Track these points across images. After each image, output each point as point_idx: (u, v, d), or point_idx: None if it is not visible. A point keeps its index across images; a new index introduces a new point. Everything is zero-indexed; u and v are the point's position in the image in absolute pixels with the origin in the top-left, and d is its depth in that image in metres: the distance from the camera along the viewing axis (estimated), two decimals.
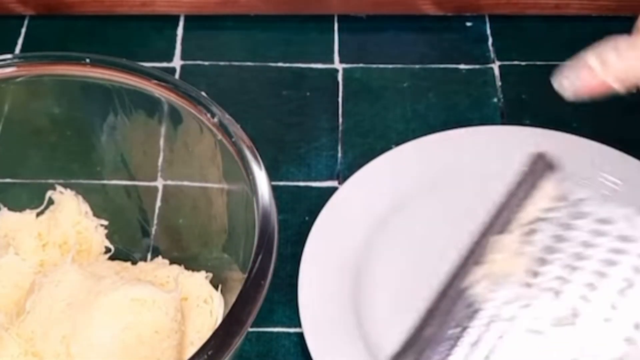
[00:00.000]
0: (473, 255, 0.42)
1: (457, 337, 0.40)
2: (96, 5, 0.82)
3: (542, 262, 0.41)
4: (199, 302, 0.58)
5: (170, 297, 0.54)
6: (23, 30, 0.81)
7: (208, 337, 0.47)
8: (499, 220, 0.43)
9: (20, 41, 0.80)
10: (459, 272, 0.41)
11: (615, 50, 0.44)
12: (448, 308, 0.40)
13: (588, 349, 0.40)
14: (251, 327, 0.48)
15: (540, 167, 0.44)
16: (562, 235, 0.42)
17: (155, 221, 0.63)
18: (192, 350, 0.55)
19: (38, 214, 0.62)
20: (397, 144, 0.71)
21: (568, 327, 0.40)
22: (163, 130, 0.60)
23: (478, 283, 0.41)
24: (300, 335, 0.61)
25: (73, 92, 0.60)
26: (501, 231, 0.42)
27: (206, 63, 0.79)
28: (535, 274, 0.41)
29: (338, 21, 0.83)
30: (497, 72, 0.79)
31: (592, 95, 0.45)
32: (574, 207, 0.43)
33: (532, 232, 0.42)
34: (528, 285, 0.41)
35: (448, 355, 0.40)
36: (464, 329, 0.40)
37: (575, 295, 0.40)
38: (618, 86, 0.44)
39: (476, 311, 0.41)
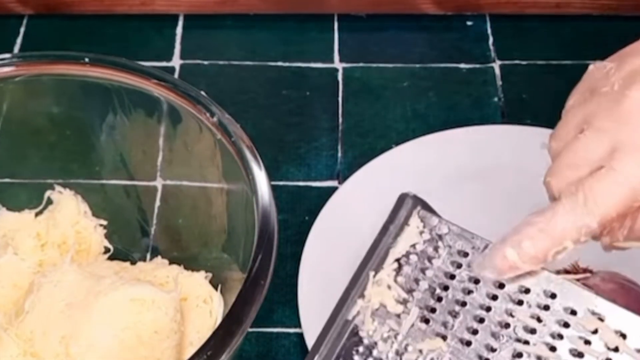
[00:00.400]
0: (355, 289, 0.48)
1: None
2: (95, 5, 0.82)
3: (411, 292, 0.48)
4: (199, 302, 0.58)
5: (170, 297, 0.54)
6: (22, 30, 0.81)
7: (208, 337, 0.47)
8: (377, 256, 0.49)
9: (19, 40, 0.80)
10: (344, 304, 0.48)
11: (528, 237, 0.44)
12: (336, 337, 0.47)
13: None
14: (251, 327, 0.48)
15: (410, 205, 0.49)
16: (428, 267, 0.48)
17: (154, 221, 0.63)
18: (191, 350, 0.55)
19: (37, 214, 0.62)
20: (397, 143, 0.71)
21: (437, 352, 0.46)
22: (162, 129, 0.60)
23: (360, 314, 0.48)
24: (300, 335, 0.61)
25: (72, 92, 0.60)
26: (378, 266, 0.49)
27: (205, 62, 0.79)
28: (406, 304, 0.47)
29: (338, 20, 0.83)
30: (497, 71, 0.79)
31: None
32: (436, 242, 0.48)
33: (403, 265, 0.48)
34: (400, 314, 0.47)
35: None
36: (351, 356, 0.47)
37: (440, 323, 0.47)
38: (538, 267, 0.45)
39: (360, 339, 0.48)
